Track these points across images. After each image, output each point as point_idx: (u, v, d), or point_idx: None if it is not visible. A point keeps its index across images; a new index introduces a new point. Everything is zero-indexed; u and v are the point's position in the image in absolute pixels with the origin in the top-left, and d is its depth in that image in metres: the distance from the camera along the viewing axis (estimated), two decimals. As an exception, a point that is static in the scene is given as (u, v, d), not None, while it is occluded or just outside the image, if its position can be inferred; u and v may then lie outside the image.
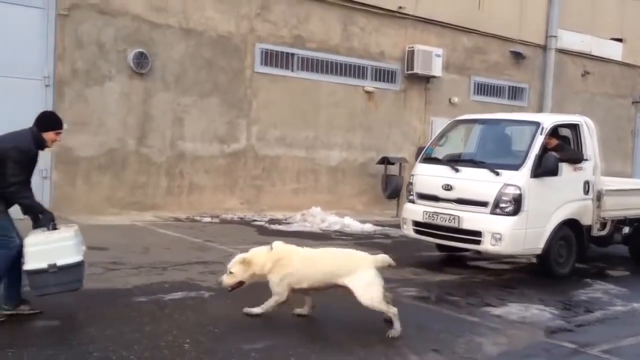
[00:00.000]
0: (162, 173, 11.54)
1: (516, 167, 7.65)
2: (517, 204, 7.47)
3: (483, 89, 15.84)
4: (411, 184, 8.65)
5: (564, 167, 7.86)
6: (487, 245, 7.58)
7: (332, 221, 11.40)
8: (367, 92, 13.83)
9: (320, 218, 11.51)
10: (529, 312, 6.33)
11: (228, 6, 11.85)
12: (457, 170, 8.04)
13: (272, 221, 11.63)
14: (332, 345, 5.05)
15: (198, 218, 11.39)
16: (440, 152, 8.78)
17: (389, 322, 5.35)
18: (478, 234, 7.61)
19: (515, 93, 16.54)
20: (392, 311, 5.30)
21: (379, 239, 10.50)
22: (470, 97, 15.44)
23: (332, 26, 13.20)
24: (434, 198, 8.17)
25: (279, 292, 5.49)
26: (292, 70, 12.81)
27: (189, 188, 11.87)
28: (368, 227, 11.30)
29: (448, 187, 7.97)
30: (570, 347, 5.36)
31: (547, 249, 7.76)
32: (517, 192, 7.49)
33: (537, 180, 7.61)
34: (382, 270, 5.48)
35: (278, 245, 5.63)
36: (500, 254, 8.14)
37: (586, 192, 8.19)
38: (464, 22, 15.03)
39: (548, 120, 8.22)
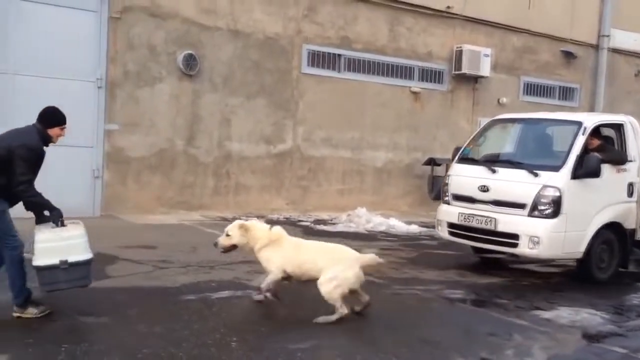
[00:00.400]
0: (210, 173, 11.70)
1: (556, 168, 7.39)
2: (556, 206, 7.24)
3: (533, 89, 15.58)
4: (446, 184, 8.46)
5: (607, 169, 7.58)
6: (524, 248, 7.36)
7: (378, 222, 11.38)
8: (414, 93, 13.76)
9: (365, 219, 11.50)
10: (580, 316, 6.18)
11: (276, 8, 11.94)
12: (494, 171, 7.84)
13: (318, 221, 11.67)
14: (378, 346, 5.04)
15: (244, 218, 11.48)
16: (477, 153, 8.56)
17: (357, 313, 5.64)
18: (515, 236, 7.39)
19: (566, 93, 16.22)
20: (342, 311, 5.43)
21: (425, 241, 10.43)
22: (520, 98, 15.20)
23: (378, 27, 13.18)
24: (470, 199, 7.97)
25: (271, 270, 5.69)
26: (339, 71, 12.83)
27: (235, 188, 12.00)
28: (414, 228, 11.24)
29: (484, 189, 7.77)
30: (621, 352, 5.22)
31: (587, 253, 7.49)
32: (557, 194, 7.25)
33: (577, 182, 7.36)
34: (371, 269, 5.73)
35: (277, 228, 5.87)
36: (538, 258, 7.79)
37: (630, 194, 7.88)
38: (514, 22, 14.81)
39: (590, 119, 7.91)
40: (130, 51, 10.68)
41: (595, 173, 7.40)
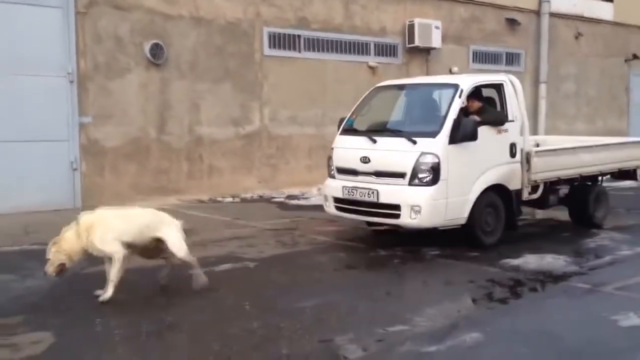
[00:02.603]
0: (183, 158, 12.08)
1: (433, 134, 7.15)
2: (435, 173, 7.04)
3: (481, 57, 16.34)
4: (330, 157, 8.15)
5: (486, 131, 7.43)
6: (406, 218, 7.13)
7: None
8: (371, 68, 14.33)
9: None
10: (545, 260, 6.96)
11: (234, -7, 12.33)
12: (374, 141, 7.57)
13: (290, 197, 12.24)
14: (373, 298, 5.67)
15: (220, 199, 11.97)
16: (362, 123, 8.21)
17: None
18: (397, 207, 7.16)
19: (512, 59, 17.06)
20: (194, 261, 5.81)
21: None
22: (470, 66, 15.93)
23: (334, 6, 13.67)
24: (353, 172, 7.70)
25: (112, 250, 5.42)
26: (299, 52, 13.30)
27: (209, 171, 12.42)
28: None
29: (365, 160, 7.50)
30: (586, 287, 6.00)
31: (471, 218, 7.32)
32: (435, 160, 7.04)
33: (456, 147, 7.15)
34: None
35: (83, 216, 5.55)
36: (420, 228, 7.37)
37: (512, 154, 7.73)
38: (460, -7, 15.51)
39: (467, 81, 7.66)
40: (98, 44, 10.92)
41: (472, 136, 7.19)
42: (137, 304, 5.59)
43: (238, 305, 5.45)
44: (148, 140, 11.63)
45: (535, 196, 8.20)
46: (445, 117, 7.25)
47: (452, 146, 7.14)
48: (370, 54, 14.32)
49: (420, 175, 7.10)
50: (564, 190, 8.83)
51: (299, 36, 13.27)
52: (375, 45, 14.38)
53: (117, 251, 5.42)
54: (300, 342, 4.59)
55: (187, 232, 8.26)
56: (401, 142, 7.32)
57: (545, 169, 8.16)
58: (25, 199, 10.09)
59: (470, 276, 6.36)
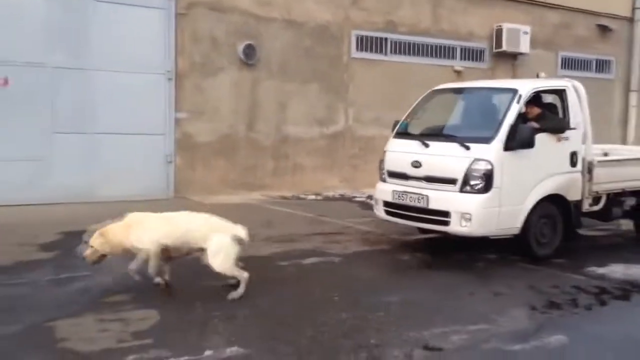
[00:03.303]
0: (269, 156, 12.52)
1: (487, 140, 6.91)
2: (487, 180, 6.80)
3: (570, 64, 16.08)
4: (382, 161, 8.05)
5: (545, 138, 7.18)
6: (455, 226, 6.92)
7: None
8: (456, 72, 14.37)
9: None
10: (631, 270, 6.92)
11: (326, -3, 12.68)
12: (426, 146, 7.39)
13: (371, 197, 12.42)
14: (455, 294, 5.83)
15: (303, 196, 12.33)
16: (416, 126, 8.04)
17: (231, 286, 5.57)
18: (446, 214, 6.98)
19: (602, 66, 16.68)
20: (244, 276, 5.52)
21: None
22: (558, 72, 15.69)
23: (422, 10, 13.81)
24: (403, 176, 7.54)
25: (147, 248, 5.44)
26: (385, 54, 13.51)
27: (292, 169, 12.81)
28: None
29: (417, 164, 7.34)
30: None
31: (525, 229, 7.07)
32: (488, 167, 6.80)
33: (512, 154, 6.90)
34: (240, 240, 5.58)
35: (131, 214, 5.65)
36: (470, 236, 7.10)
37: (573, 164, 7.44)
38: (550, -1, 15.31)
39: (527, 86, 7.39)
40: (195, 44, 11.49)
41: (529, 144, 6.94)
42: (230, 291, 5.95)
43: (325, 297, 5.72)
44: (237, 137, 12.13)
45: (596, 208, 7.83)
46: (501, 122, 6.99)
47: (508, 153, 6.90)
48: (456, 58, 14.37)
49: (472, 182, 6.89)
50: (629, 202, 8.28)
51: (386, 39, 13.48)
52: (461, 49, 14.42)
53: (150, 250, 5.42)
54: (388, 333, 4.82)
55: (270, 225, 8.69)
56: (454, 147, 7.11)
57: (608, 180, 7.79)
58: (124, 188, 10.72)
59: (554, 282, 6.40)
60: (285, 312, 5.28)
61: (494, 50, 14.62)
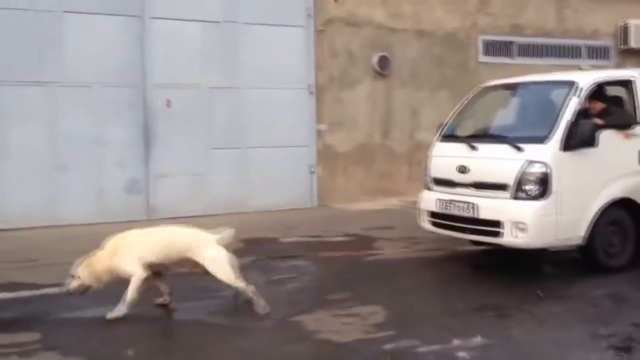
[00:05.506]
0: (404, 162, 12.84)
1: (543, 140, 6.22)
2: (543, 184, 6.11)
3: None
4: (426, 167, 7.43)
5: (611, 135, 6.44)
6: (509, 237, 6.20)
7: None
8: (582, 70, 14.26)
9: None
10: None
11: (453, 5, 12.91)
12: (474, 148, 6.74)
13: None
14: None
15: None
16: (464, 128, 7.41)
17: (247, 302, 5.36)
18: (498, 224, 6.26)
19: None
20: (250, 289, 5.32)
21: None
22: (686, 66, 15.33)
23: (546, 12, 13.85)
24: (449, 183, 6.90)
25: (133, 270, 5.24)
26: (512, 57, 13.62)
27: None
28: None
29: (464, 169, 6.69)
30: None
31: (591, 238, 6.33)
32: (544, 170, 6.13)
33: (571, 154, 6.21)
34: (230, 246, 5.49)
35: (111, 239, 5.42)
36: (526, 248, 6.39)
37: None
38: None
39: (586, 78, 6.66)
40: (333, 58, 12.00)
41: (590, 142, 6.24)
42: (443, 286, 6.37)
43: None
44: (374, 146, 12.53)
45: None
46: (557, 119, 6.28)
47: (567, 153, 6.21)
48: (581, 57, 14.29)
49: (526, 187, 6.18)
50: None
51: (511, 42, 13.59)
52: (586, 48, 14.33)
53: (136, 272, 5.23)
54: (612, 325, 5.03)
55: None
56: (505, 149, 6.44)
57: None
58: (273, 198, 11.30)
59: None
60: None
61: (621, 47, 14.45)
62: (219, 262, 5.27)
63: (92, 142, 10.13)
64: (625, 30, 14.28)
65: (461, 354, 4.47)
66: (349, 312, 5.44)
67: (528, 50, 13.76)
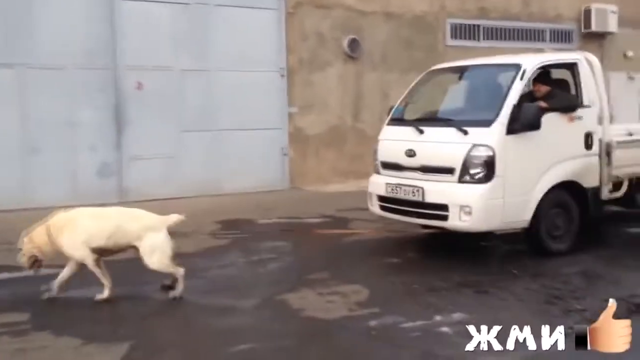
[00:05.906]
0: (374, 144, 12.98)
1: (487, 123, 6.19)
2: (489, 168, 6.08)
3: (657, 41, 16.12)
4: (375, 150, 7.43)
5: (555, 118, 6.42)
6: (455, 221, 6.18)
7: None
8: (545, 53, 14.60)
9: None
10: None
11: (422, -12, 13.09)
12: (421, 132, 6.68)
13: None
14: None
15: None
16: (412, 111, 7.38)
17: (168, 287, 5.40)
18: (444, 207, 6.24)
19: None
20: (180, 272, 5.30)
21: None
22: (647, 50, 15.79)
23: (512, -5, 14.15)
24: (397, 167, 6.85)
25: (81, 256, 5.21)
26: (478, 41, 13.86)
27: (395, 156, 13.27)
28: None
29: (411, 153, 6.62)
30: None
31: (536, 221, 6.36)
32: (489, 153, 6.08)
33: (516, 138, 6.18)
34: (175, 229, 5.47)
35: (57, 215, 5.34)
36: (471, 231, 6.38)
37: (588, 146, 6.68)
38: (636, -24, 15.40)
39: (531, 61, 6.62)
40: (303, 41, 12.05)
41: (535, 125, 6.18)
42: (421, 265, 6.56)
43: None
44: (345, 128, 12.66)
45: (618, 194, 7.08)
46: (502, 102, 6.24)
47: (511, 137, 6.17)
48: (545, 40, 14.61)
49: (471, 171, 6.16)
50: None
51: (478, 26, 13.83)
52: (550, 31, 14.66)
53: (84, 257, 5.20)
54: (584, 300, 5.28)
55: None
56: (451, 132, 6.39)
57: (630, 163, 7.04)
58: (246, 180, 11.36)
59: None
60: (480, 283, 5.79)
61: (583, 31, 14.82)
62: (156, 251, 5.22)
63: (64, 125, 10.06)
64: (587, 14, 14.65)
65: (444, 328, 4.65)
66: (332, 291, 5.58)
67: (494, 34, 14.02)
